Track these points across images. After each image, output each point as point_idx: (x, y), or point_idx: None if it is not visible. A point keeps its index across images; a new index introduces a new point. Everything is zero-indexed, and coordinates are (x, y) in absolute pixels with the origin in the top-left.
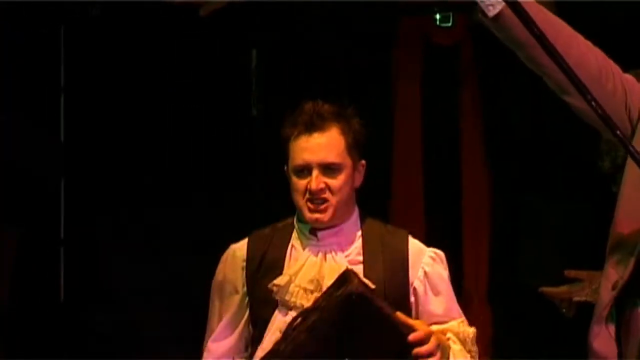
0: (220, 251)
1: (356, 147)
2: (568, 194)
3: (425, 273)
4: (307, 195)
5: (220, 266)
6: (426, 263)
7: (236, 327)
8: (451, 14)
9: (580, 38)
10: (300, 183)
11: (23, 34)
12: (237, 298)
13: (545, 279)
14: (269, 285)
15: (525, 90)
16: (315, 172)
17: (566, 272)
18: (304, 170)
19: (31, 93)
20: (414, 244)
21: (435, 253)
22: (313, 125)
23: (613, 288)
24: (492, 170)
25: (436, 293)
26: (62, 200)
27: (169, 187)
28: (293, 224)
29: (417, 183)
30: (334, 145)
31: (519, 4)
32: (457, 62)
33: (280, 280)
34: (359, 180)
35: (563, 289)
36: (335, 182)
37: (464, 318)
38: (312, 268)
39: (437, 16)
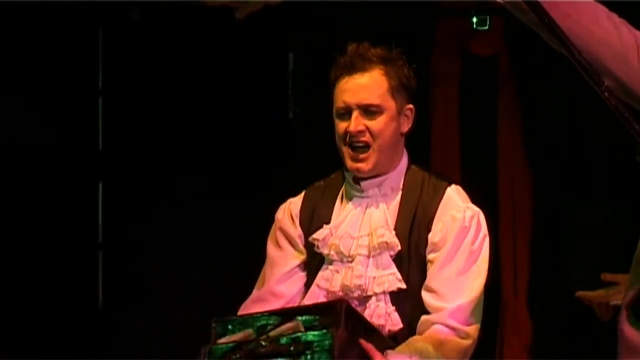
0: (257, 252)
1: (402, 91)
2: (610, 195)
3: (441, 226)
4: (348, 139)
5: (278, 217)
6: (447, 215)
7: (298, 280)
8: (488, 18)
9: (603, 13)
10: (341, 126)
11: (61, 36)
12: (296, 252)
13: (587, 282)
14: (309, 239)
15: (565, 92)
16: (354, 114)
17: (603, 276)
18: (345, 113)
19: (69, 96)
20: (448, 198)
21: (466, 208)
22: (354, 67)
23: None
24: (532, 175)
25: (440, 244)
26: (100, 204)
27: (207, 190)
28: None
29: None
30: (375, 86)
31: None
32: (495, 70)
33: (319, 234)
34: (406, 125)
35: (599, 292)
36: (376, 124)
37: (449, 308)
38: (352, 221)
39: (474, 19)
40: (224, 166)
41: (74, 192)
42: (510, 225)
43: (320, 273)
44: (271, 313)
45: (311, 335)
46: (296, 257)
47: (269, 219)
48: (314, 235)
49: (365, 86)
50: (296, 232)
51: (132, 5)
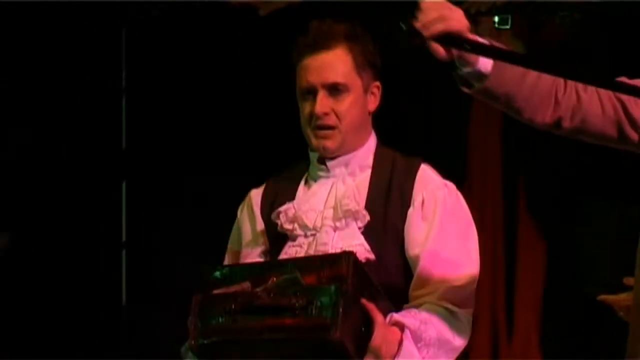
0: None
1: (368, 68)
2: (627, 197)
3: (423, 200)
4: (313, 122)
5: (238, 217)
6: (428, 190)
7: None
8: (510, 17)
9: (561, 88)
10: (306, 108)
11: (84, 36)
12: (257, 239)
13: (605, 286)
14: (272, 215)
15: None
16: (320, 94)
17: (625, 280)
18: (309, 93)
19: (93, 95)
20: (423, 173)
21: (445, 184)
22: (317, 44)
23: None
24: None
25: (424, 218)
26: (124, 203)
27: (231, 189)
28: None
29: (495, 188)
30: (340, 64)
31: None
32: None
33: (283, 208)
34: (373, 103)
35: (622, 296)
36: (342, 104)
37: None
38: (317, 198)
39: (496, 19)
40: (250, 165)
41: (98, 191)
42: (530, 226)
43: (284, 250)
44: (270, 264)
45: (315, 290)
46: (261, 252)
47: None
48: (278, 209)
49: (329, 64)
50: (258, 226)
51: (154, 4)
